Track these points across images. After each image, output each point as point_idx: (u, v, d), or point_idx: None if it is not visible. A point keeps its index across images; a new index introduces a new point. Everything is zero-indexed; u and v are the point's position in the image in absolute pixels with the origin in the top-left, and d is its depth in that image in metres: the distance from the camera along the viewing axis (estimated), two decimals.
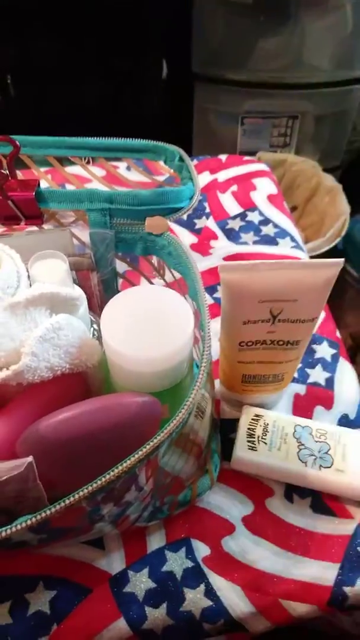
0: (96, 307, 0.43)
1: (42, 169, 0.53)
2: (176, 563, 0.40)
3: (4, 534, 0.27)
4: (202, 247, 0.65)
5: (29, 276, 0.34)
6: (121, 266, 0.48)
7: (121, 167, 0.68)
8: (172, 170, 0.48)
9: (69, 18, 1.18)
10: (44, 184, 0.74)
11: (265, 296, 0.37)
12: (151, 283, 0.52)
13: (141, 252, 0.40)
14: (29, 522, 0.27)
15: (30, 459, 0.28)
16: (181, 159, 0.47)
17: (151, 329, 0.31)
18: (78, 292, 0.34)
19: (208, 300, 0.52)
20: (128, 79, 1.28)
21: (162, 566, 0.40)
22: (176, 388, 0.34)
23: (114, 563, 0.40)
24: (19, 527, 0.27)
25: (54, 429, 0.30)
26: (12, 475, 0.27)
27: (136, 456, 0.29)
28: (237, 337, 0.39)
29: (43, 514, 0.27)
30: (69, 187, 0.70)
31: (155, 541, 0.41)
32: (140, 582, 0.39)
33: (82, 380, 0.34)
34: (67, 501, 0.28)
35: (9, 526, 0.28)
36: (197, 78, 1.30)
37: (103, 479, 0.28)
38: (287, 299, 0.37)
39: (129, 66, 1.26)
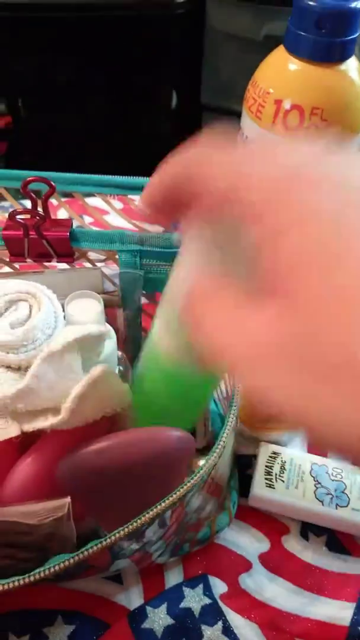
0: (121, 342, 0.44)
1: (63, 199, 0.54)
2: (194, 599, 0.41)
3: (42, 574, 0.28)
4: None
5: (64, 315, 0.35)
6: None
7: (138, 200, 0.70)
8: None
9: (82, 48, 1.21)
10: (63, 214, 0.75)
11: None
12: None
13: None
14: (65, 563, 0.28)
15: (68, 499, 0.29)
16: None
17: None
18: (107, 328, 0.35)
19: None
20: (139, 108, 1.31)
21: (180, 602, 0.41)
22: None
23: (133, 598, 0.41)
24: (56, 567, 0.28)
25: (94, 457, 0.31)
26: (54, 517, 0.28)
27: (170, 499, 0.29)
28: None
29: (80, 556, 0.28)
30: (88, 218, 0.72)
31: (174, 577, 0.42)
32: (159, 618, 0.40)
33: (109, 420, 0.35)
34: (104, 542, 0.28)
35: (45, 567, 0.28)
36: (206, 109, 1.33)
37: (138, 522, 0.29)
38: None
39: (140, 95, 1.28)
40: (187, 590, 0.41)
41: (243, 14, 1.11)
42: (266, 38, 1.11)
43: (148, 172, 0.51)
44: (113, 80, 1.27)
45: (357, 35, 0.38)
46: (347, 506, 0.43)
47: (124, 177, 0.48)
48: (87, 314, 0.35)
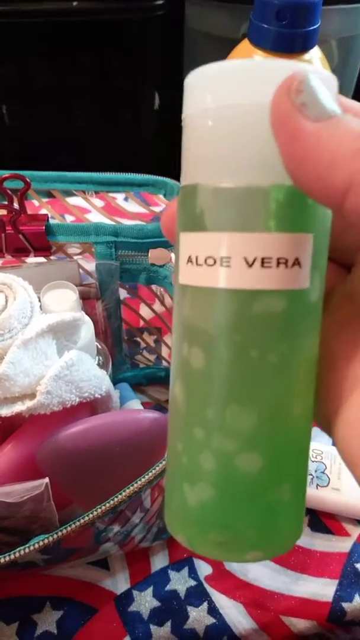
0: (100, 333, 0.45)
1: (44, 200, 0.55)
2: (179, 582, 0.42)
3: (22, 552, 0.28)
4: None
5: (40, 305, 0.36)
6: (121, 293, 0.50)
7: (119, 197, 0.71)
8: (169, 202, 0.51)
9: (63, 53, 1.22)
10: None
11: None
12: (151, 309, 0.54)
13: (144, 282, 0.43)
14: (45, 541, 0.29)
15: (46, 480, 0.30)
16: None
17: None
18: (81, 315, 0.35)
19: None
20: (123, 110, 1.32)
21: (166, 585, 0.41)
22: None
23: (119, 583, 0.41)
24: (35, 545, 0.29)
25: (72, 439, 0.32)
26: (31, 496, 0.28)
27: (146, 477, 0.30)
28: None
29: (59, 533, 0.29)
30: (69, 217, 0.73)
31: (159, 561, 0.43)
32: (145, 601, 0.41)
33: (89, 407, 0.36)
34: (82, 520, 0.29)
35: (26, 545, 0.29)
36: None
37: (114, 499, 0.30)
38: None
39: (123, 97, 1.30)
40: (172, 573, 0.42)
41: (221, 14, 1.13)
42: (244, 37, 1.13)
43: (134, 173, 0.52)
44: (96, 83, 1.28)
45: (317, 26, 0.39)
46: (327, 486, 0.44)
47: (100, 173, 0.49)
48: (63, 303, 0.36)
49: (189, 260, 0.17)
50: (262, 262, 0.15)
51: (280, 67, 0.15)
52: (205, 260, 0.16)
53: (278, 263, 0.15)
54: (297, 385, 0.17)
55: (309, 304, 0.17)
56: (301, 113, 0.14)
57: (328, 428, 0.18)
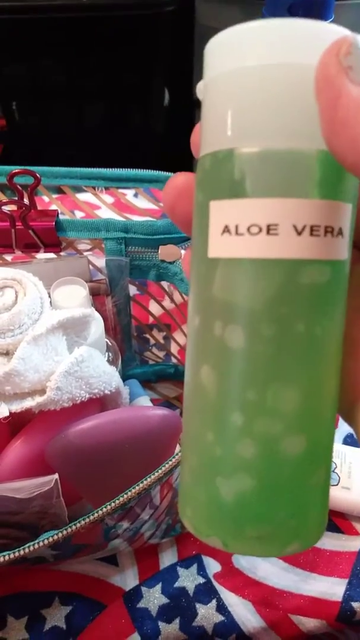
0: (110, 330, 0.45)
1: (54, 195, 0.55)
2: (188, 579, 0.41)
3: (32, 548, 0.28)
4: None
5: (50, 301, 0.36)
6: (131, 289, 0.50)
7: (129, 194, 0.71)
8: None
9: (73, 49, 1.22)
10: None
11: None
12: (161, 305, 0.54)
13: (154, 279, 0.42)
14: (54, 537, 0.29)
15: (56, 476, 0.30)
16: None
17: None
18: (91, 311, 0.35)
19: None
20: (132, 106, 1.32)
21: (174, 582, 0.41)
22: None
23: (128, 579, 0.41)
24: (45, 541, 0.29)
25: (82, 435, 0.32)
26: (41, 492, 0.28)
27: (156, 474, 0.30)
28: None
29: (69, 529, 0.29)
30: (79, 213, 0.73)
31: (168, 558, 0.43)
32: (154, 598, 0.41)
33: (98, 403, 0.36)
34: (91, 517, 0.29)
35: (35, 541, 0.29)
36: (198, 105, 1.34)
37: (124, 496, 0.30)
38: None
39: (133, 93, 1.29)
40: (181, 570, 0.42)
41: (231, 10, 1.12)
42: None
43: (143, 168, 0.52)
44: (105, 79, 1.28)
45: (330, 21, 0.39)
46: (337, 485, 0.43)
47: (110, 169, 0.49)
48: (73, 299, 0.36)
49: (225, 230, 0.16)
50: (312, 230, 0.15)
51: (329, 30, 0.15)
52: (248, 229, 0.15)
53: (325, 232, 0.15)
54: (334, 361, 0.16)
55: (345, 277, 0.16)
56: (347, 76, 0.14)
57: (349, 416, 0.18)
